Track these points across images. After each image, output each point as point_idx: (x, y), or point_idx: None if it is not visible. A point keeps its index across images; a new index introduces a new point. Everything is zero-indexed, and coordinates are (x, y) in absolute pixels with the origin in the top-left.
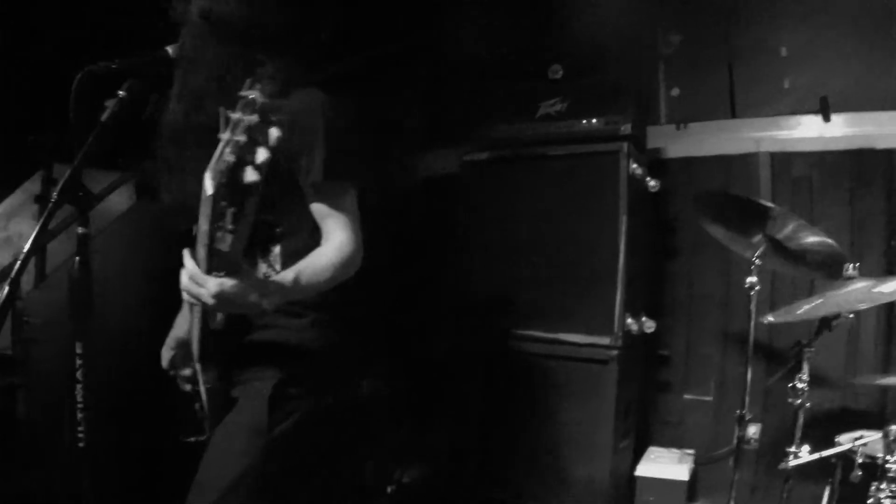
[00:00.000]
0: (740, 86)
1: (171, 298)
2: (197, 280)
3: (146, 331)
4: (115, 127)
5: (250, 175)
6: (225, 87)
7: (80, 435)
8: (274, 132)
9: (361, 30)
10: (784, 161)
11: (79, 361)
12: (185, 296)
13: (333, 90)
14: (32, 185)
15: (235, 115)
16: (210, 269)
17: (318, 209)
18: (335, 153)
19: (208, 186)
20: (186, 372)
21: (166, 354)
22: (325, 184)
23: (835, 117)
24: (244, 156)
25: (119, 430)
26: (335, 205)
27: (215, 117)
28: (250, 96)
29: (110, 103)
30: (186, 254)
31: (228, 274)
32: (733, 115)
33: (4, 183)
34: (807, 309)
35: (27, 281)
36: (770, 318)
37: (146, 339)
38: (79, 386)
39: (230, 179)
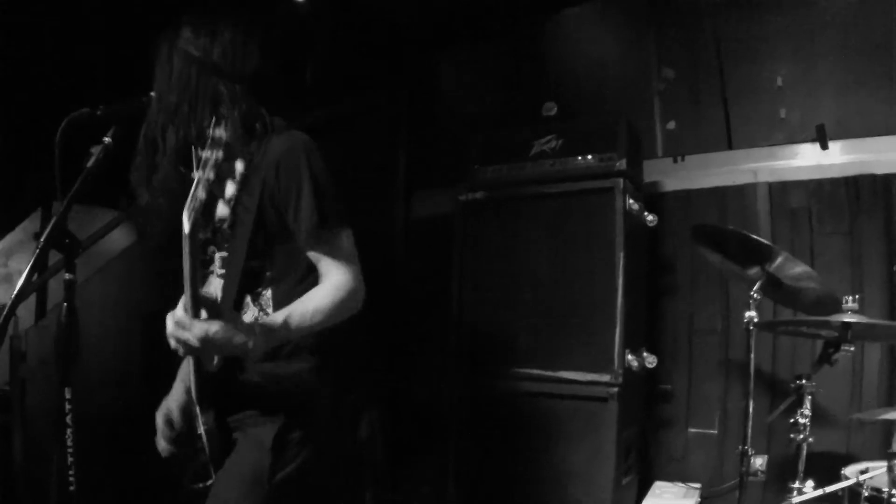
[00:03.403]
0: (736, 117)
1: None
2: (182, 324)
3: (140, 369)
4: (104, 171)
5: (221, 209)
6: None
7: (71, 478)
8: (239, 166)
9: (349, 71)
10: (782, 191)
11: (68, 406)
12: (171, 342)
13: (319, 132)
14: (32, 224)
15: (205, 154)
16: (196, 313)
17: (313, 254)
18: (324, 198)
19: (185, 225)
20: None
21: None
22: (318, 230)
23: (832, 145)
24: (214, 191)
25: (112, 472)
26: (330, 247)
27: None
28: (216, 134)
29: (95, 150)
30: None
31: (212, 317)
32: (730, 147)
33: (4, 221)
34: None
35: (28, 318)
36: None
37: (140, 377)
38: (69, 430)
39: (204, 216)
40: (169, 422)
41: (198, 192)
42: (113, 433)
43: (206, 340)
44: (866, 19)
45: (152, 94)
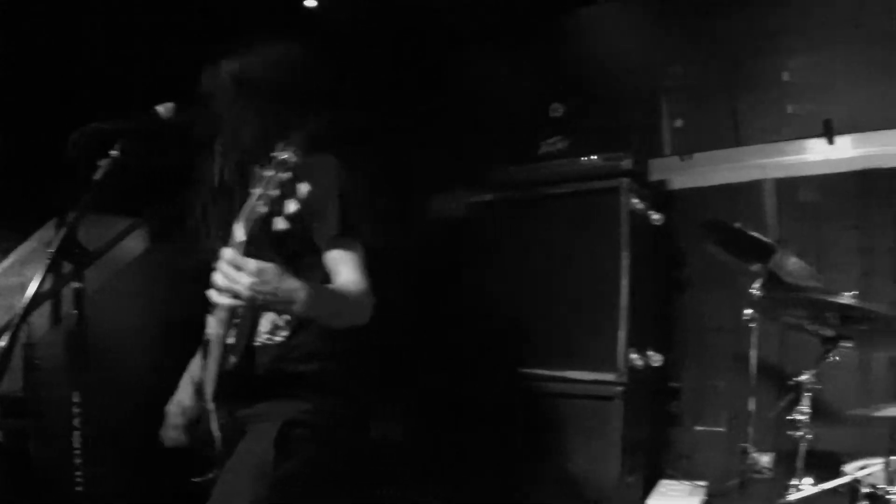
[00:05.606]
0: (744, 113)
1: (182, 341)
2: (236, 263)
3: (156, 373)
4: (119, 181)
5: (281, 224)
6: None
7: (79, 479)
8: (304, 187)
9: (365, 75)
10: (790, 187)
11: (76, 410)
12: (220, 281)
13: (348, 142)
14: (46, 233)
15: (269, 173)
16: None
17: (332, 256)
18: (348, 211)
19: (239, 234)
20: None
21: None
22: (339, 238)
23: (840, 139)
24: (275, 208)
25: (123, 472)
26: (348, 252)
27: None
28: (282, 156)
29: (103, 163)
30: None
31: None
32: (738, 144)
33: (19, 230)
34: None
35: (43, 325)
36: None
37: (155, 381)
38: (76, 433)
39: (262, 228)
40: (181, 414)
41: (257, 207)
42: (126, 436)
43: (259, 274)
44: (873, 12)
45: (158, 108)
